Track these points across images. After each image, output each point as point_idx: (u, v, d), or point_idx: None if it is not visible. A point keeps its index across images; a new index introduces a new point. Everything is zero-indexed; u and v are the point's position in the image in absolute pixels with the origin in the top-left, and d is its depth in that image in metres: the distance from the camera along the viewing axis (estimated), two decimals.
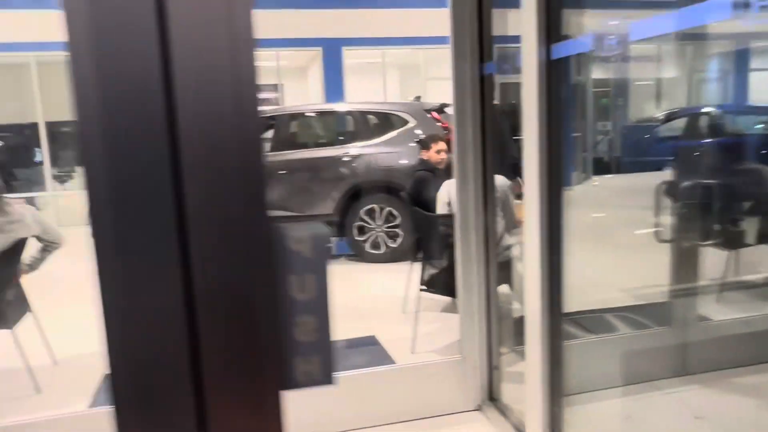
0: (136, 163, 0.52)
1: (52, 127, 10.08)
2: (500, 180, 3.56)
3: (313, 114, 6.59)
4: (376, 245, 6.19)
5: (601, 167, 10.88)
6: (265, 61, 10.95)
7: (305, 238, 0.59)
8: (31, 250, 3.67)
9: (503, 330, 3.14)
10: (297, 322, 0.60)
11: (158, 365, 0.54)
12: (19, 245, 3.37)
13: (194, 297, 0.54)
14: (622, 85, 12.17)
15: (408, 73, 12.63)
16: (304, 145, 6.48)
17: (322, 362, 0.61)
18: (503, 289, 3.49)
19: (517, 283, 3.47)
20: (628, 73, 11.78)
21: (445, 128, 6.12)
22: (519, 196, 3.73)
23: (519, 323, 2.68)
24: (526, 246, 2.43)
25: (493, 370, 2.91)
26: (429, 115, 6.19)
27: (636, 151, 10.87)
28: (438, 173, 4.58)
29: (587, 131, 11.06)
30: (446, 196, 3.65)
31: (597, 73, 11.45)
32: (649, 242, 3.65)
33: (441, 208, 3.81)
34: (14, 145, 10.66)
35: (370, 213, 6.15)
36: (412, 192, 4.46)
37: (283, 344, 0.58)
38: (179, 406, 0.55)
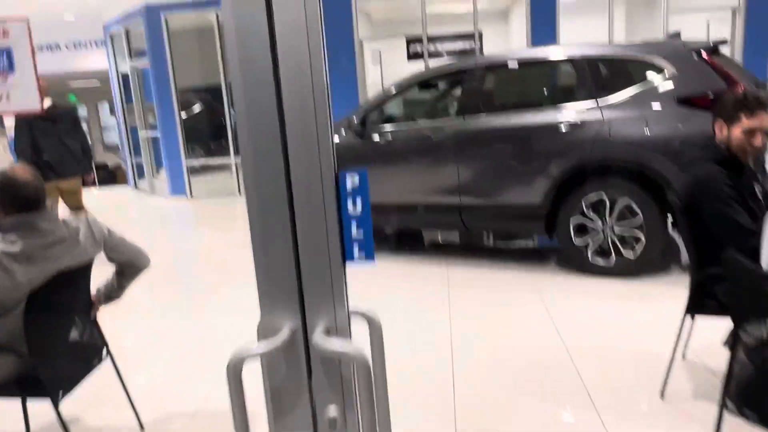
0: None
1: None
2: None
3: (516, 65, 4.79)
4: (602, 252, 4.32)
5: None
6: (457, 4, 9.25)
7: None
8: (108, 274, 2.59)
9: None
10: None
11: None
12: (68, 277, 2.25)
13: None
14: None
15: (639, 10, 9.98)
16: (503, 108, 4.75)
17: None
18: None
19: None
20: None
21: (727, 78, 3.95)
22: None
23: None
24: None
25: None
26: (698, 59, 4.04)
27: None
28: (743, 170, 2.59)
29: None
30: None
31: None
32: None
33: None
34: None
35: (597, 206, 4.27)
36: (690, 202, 2.53)
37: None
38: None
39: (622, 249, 4.23)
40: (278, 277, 0.99)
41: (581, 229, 4.35)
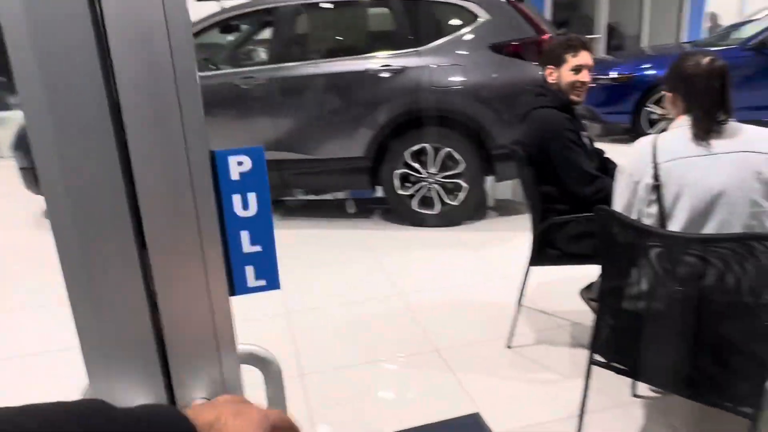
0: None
1: None
2: None
3: (331, 4, 4.46)
4: (427, 202, 4.31)
5: None
6: None
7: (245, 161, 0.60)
8: None
9: None
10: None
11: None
12: None
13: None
14: None
15: None
16: (319, 54, 4.42)
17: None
18: None
19: None
20: None
21: (534, 26, 4.06)
22: None
23: None
24: None
25: None
26: (509, 6, 4.09)
27: None
28: (577, 112, 2.65)
29: None
30: (649, 168, 1.75)
31: None
32: None
33: (626, 196, 1.90)
34: None
35: (420, 156, 4.21)
36: (536, 150, 2.50)
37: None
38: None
39: (445, 198, 4.26)
40: (118, 326, 0.60)
41: (405, 180, 4.28)
